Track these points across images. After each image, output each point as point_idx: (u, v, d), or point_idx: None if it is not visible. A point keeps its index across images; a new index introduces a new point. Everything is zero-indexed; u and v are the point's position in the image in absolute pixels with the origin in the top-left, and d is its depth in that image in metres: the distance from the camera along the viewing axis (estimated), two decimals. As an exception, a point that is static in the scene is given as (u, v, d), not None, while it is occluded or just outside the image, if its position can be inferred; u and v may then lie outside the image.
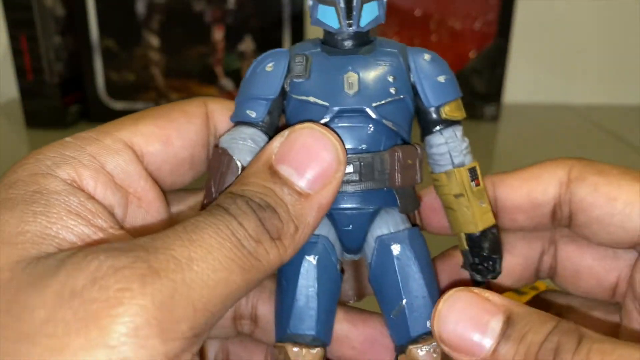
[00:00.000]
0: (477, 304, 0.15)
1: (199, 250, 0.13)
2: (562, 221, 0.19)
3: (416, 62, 0.18)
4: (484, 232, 0.18)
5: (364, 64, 0.17)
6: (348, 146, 0.17)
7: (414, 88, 0.18)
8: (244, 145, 0.17)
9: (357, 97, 0.17)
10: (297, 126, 0.16)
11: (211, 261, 0.13)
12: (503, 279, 0.20)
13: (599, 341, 0.14)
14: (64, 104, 0.72)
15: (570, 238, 0.20)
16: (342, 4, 0.16)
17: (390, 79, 0.17)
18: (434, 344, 0.17)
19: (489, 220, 0.18)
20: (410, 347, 0.17)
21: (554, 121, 0.83)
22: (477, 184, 0.18)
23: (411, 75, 0.18)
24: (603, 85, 0.91)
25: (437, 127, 0.18)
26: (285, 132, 0.16)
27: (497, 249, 0.18)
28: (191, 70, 0.73)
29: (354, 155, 0.17)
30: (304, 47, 0.18)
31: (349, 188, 0.17)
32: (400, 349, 0.18)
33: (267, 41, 0.71)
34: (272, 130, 0.18)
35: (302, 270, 0.17)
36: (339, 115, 0.17)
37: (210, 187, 0.17)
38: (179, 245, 0.13)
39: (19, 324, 0.12)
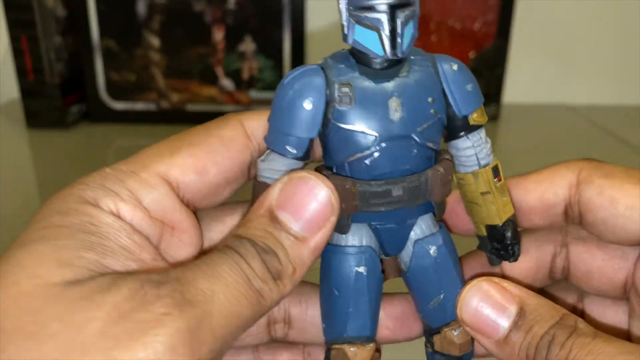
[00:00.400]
0: (497, 292, 0.17)
1: (219, 285, 0.15)
2: (574, 220, 0.20)
3: (445, 72, 0.18)
4: (505, 222, 0.20)
5: (405, 88, 0.17)
6: (394, 169, 0.18)
7: (443, 91, 0.18)
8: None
9: (402, 123, 0.17)
10: (295, 174, 0.17)
11: (228, 295, 0.15)
12: (521, 282, 0.21)
13: (584, 335, 0.16)
14: (65, 104, 0.72)
15: (581, 240, 0.21)
16: (387, 32, 0.16)
17: (430, 100, 0.18)
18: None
19: (510, 212, 0.20)
20: (445, 329, 0.19)
21: (554, 121, 0.83)
22: (499, 180, 0.20)
23: (441, 81, 0.18)
24: (602, 85, 0.91)
25: (464, 132, 0.19)
26: (285, 179, 0.17)
27: (516, 236, 0.20)
28: (191, 70, 0.73)
29: (402, 178, 0.18)
30: (341, 71, 0.17)
31: (397, 207, 0.18)
32: (435, 330, 0.20)
33: (267, 41, 0.71)
34: (309, 154, 0.18)
35: (354, 280, 0.18)
36: (385, 141, 0.17)
37: None
38: (205, 279, 0.15)
39: (73, 333, 0.13)
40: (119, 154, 0.69)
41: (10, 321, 0.13)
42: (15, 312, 0.13)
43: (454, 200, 0.21)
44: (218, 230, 0.20)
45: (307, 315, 0.21)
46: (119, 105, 0.75)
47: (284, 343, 0.22)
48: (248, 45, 0.72)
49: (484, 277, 0.18)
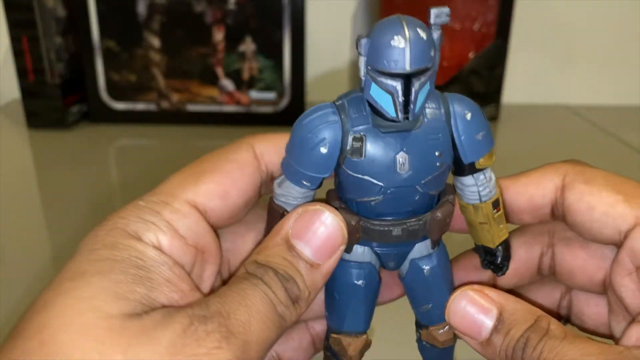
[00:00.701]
0: (480, 298, 0.19)
1: (253, 315, 0.17)
2: (559, 218, 0.22)
3: (457, 120, 0.19)
4: (498, 245, 0.22)
5: (414, 143, 0.18)
6: (397, 211, 0.19)
7: (452, 137, 0.19)
8: (296, 204, 0.20)
9: (408, 176, 0.18)
10: (310, 207, 0.19)
11: (261, 323, 0.17)
12: (509, 279, 0.23)
13: (554, 338, 0.17)
14: (65, 104, 0.73)
15: (565, 241, 0.22)
16: (400, 99, 0.16)
17: (437, 154, 0.18)
18: (447, 327, 0.22)
19: (504, 236, 0.22)
20: (431, 328, 0.22)
21: (553, 121, 0.84)
22: (498, 211, 0.21)
23: (452, 128, 0.19)
24: (601, 86, 0.91)
25: (469, 172, 0.20)
26: (300, 210, 0.19)
27: (507, 256, 0.22)
28: (192, 70, 0.73)
29: (403, 220, 0.19)
30: (355, 121, 0.18)
31: (396, 242, 0.20)
32: (424, 326, 0.22)
33: (267, 42, 0.72)
34: (320, 186, 0.20)
35: (352, 290, 0.21)
36: (390, 189, 0.19)
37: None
38: (241, 310, 0.17)
39: None
40: (119, 154, 0.69)
41: (78, 351, 0.15)
42: (81, 342, 0.15)
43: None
44: (229, 239, 0.22)
45: None
46: (119, 106, 0.75)
47: None
48: (248, 46, 0.72)
49: (469, 286, 0.20)
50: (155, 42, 0.72)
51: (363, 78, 0.17)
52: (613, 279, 0.20)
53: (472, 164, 0.20)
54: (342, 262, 0.20)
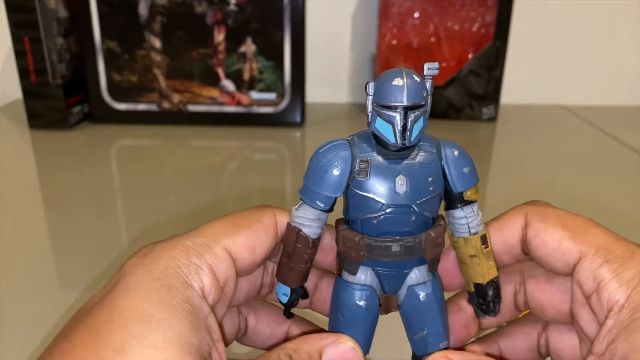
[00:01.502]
0: None
1: None
2: (529, 255, 0.24)
3: (447, 156, 0.23)
4: (489, 282, 0.24)
5: (411, 168, 0.22)
6: (395, 230, 0.22)
7: (443, 171, 0.23)
8: (311, 225, 0.23)
9: (405, 196, 0.22)
10: (344, 339, 0.22)
11: None
12: (491, 318, 0.26)
13: None
14: (67, 105, 0.73)
15: (533, 278, 0.25)
16: (399, 127, 0.20)
17: (430, 180, 0.22)
18: (441, 357, 0.23)
19: (493, 273, 0.24)
20: (425, 358, 0.24)
21: (551, 121, 0.84)
22: (487, 247, 0.23)
23: (442, 162, 0.22)
24: (599, 86, 0.92)
25: (459, 205, 0.23)
26: (336, 338, 0.22)
27: (497, 294, 0.24)
28: (193, 71, 0.74)
29: (400, 238, 0.22)
30: (363, 149, 0.22)
31: (394, 259, 0.22)
32: (418, 358, 0.24)
33: (268, 43, 0.72)
34: (332, 209, 0.23)
35: (354, 311, 0.23)
36: (390, 208, 0.22)
37: (286, 255, 0.23)
38: None
39: None
40: (121, 154, 0.69)
41: None
42: None
43: (447, 262, 0.25)
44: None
45: (257, 327, 0.26)
46: (120, 106, 0.75)
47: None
48: (249, 47, 0.73)
49: (440, 352, 0.23)
50: (157, 43, 0.72)
51: (369, 113, 0.21)
52: (573, 310, 0.22)
53: (461, 195, 0.23)
54: (346, 284, 0.23)
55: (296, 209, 0.23)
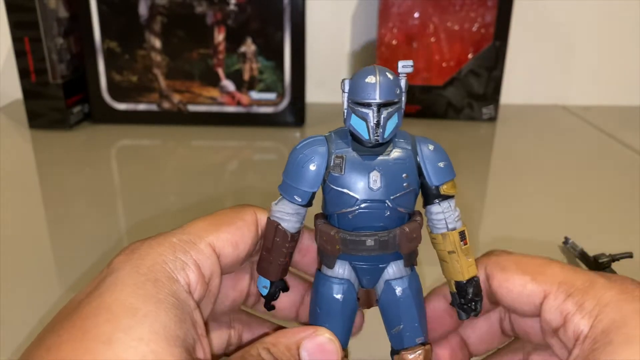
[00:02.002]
0: None
1: None
2: (497, 304, 0.25)
3: (422, 150, 0.23)
4: (469, 280, 0.24)
5: (385, 165, 0.22)
6: (370, 225, 0.22)
7: (419, 168, 0.23)
8: (290, 219, 0.23)
9: (379, 191, 0.22)
10: (321, 331, 0.22)
11: None
12: (481, 345, 0.27)
13: None
14: (67, 105, 0.73)
15: None
16: (372, 123, 0.21)
17: (404, 176, 0.22)
18: (418, 351, 0.24)
19: (473, 272, 0.24)
20: (402, 352, 0.24)
21: (550, 121, 0.84)
22: (465, 244, 0.24)
23: (418, 158, 0.23)
24: (598, 86, 0.92)
25: (436, 200, 0.23)
26: (314, 331, 0.22)
27: (478, 293, 0.24)
28: (193, 71, 0.74)
29: (375, 232, 0.22)
30: (339, 145, 0.23)
31: (369, 253, 0.23)
32: (395, 352, 0.25)
33: (268, 43, 0.72)
34: (311, 203, 0.23)
35: (332, 303, 0.24)
36: (364, 203, 0.22)
37: (265, 249, 0.24)
38: None
39: None
40: (121, 154, 0.69)
41: None
42: None
43: (435, 305, 0.26)
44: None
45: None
46: (120, 106, 0.75)
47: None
48: (249, 47, 0.73)
49: None
50: (157, 43, 0.72)
51: (345, 111, 0.22)
52: (545, 340, 0.24)
53: (438, 190, 0.23)
54: (325, 278, 0.24)
55: (275, 204, 0.24)
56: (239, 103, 0.75)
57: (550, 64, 0.91)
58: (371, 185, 0.22)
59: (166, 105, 0.75)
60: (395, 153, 0.22)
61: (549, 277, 0.23)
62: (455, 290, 0.24)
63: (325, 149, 0.22)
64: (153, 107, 0.75)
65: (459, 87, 0.79)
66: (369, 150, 0.22)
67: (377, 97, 0.21)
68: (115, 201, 0.54)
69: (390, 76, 0.21)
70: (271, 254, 0.24)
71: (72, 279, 0.41)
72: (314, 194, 0.23)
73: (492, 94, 0.79)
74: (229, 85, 0.74)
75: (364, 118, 0.21)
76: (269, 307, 0.25)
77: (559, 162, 0.67)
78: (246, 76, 0.74)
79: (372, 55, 0.85)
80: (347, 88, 0.21)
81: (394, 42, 0.77)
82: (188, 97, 0.75)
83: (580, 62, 0.90)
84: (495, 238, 0.46)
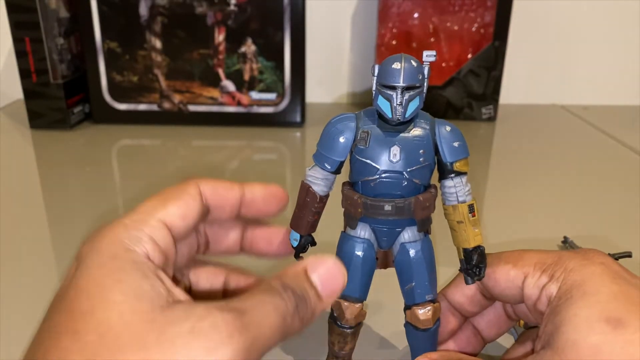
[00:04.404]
0: None
1: (266, 318, 0.21)
2: (492, 299, 0.29)
3: (440, 130, 0.26)
4: (474, 248, 0.27)
5: (404, 141, 0.25)
6: (389, 192, 0.25)
7: (435, 146, 0.26)
8: (320, 184, 0.27)
9: (398, 163, 0.25)
10: (327, 256, 0.24)
11: (270, 326, 0.21)
12: (491, 330, 0.30)
13: None
14: (68, 105, 0.73)
15: None
16: (395, 103, 0.24)
17: (421, 152, 0.25)
18: (428, 307, 0.27)
19: (479, 241, 0.27)
20: (414, 307, 0.28)
21: (550, 121, 0.85)
22: (474, 216, 0.26)
23: (435, 137, 0.26)
24: (597, 86, 0.92)
25: (450, 175, 0.26)
26: (320, 256, 0.24)
27: (482, 260, 0.27)
28: (193, 71, 0.74)
29: (392, 199, 0.25)
30: (366, 122, 0.26)
31: (387, 217, 0.26)
32: (408, 307, 0.28)
33: (268, 43, 0.72)
34: (339, 170, 0.27)
35: (354, 259, 0.27)
36: (385, 173, 0.25)
37: (298, 207, 0.28)
38: (257, 312, 0.21)
39: (166, 345, 0.19)
40: (121, 154, 0.70)
41: (125, 337, 0.19)
42: (126, 331, 0.19)
43: (493, 316, 0.30)
44: (214, 234, 0.29)
45: (198, 284, 0.29)
46: (121, 106, 0.75)
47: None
48: (249, 47, 0.73)
49: (424, 355, 0.27)
50: (157, 43, 0.73)
51: (374, 92, 0.25)
52: (534, 318, 0.27)
53: (452, 166, 0.26)
54: (347, 237, 0.27)
55: (309, 169, 0.27)
56: (239, 103, 0.75)
57: (549, 63, 0.91)
58: (391, 158, 0.25)
59: (167, 105, 0.75)
60: (415, 131, 0.25)
61: (526, 260, 0.26)
62: (462, 257, 0.27)
63: (354, 124, 0.26)
64: (153, 107, 0.75)
65: (458, 87, 0.79)
66: (392, 127, 0.25)
67: (401, 81, 0.23)
68: (116, 201, 0.54)
69: (414, 63, 0.24)
70: (302, 212, 0.27)
71: (74, 278, 0.41)
72: (341, 162, 0.26)
73: (491, 93, 0.79)
74: (229, 85, 0.74)
75: (389, 99, 0.24)
76: (298, 257, 0.28)
77: (558, 162, 0.67)
78: (246, 76, 0.74)
79: (372, 55, 0.86)
80: (376, 72, 0.24)
81: (394, 42, 0.77)
82: (188, 97, 0.75)
83: (579, 62, 0.91)
84: (494, 237, 0.47)
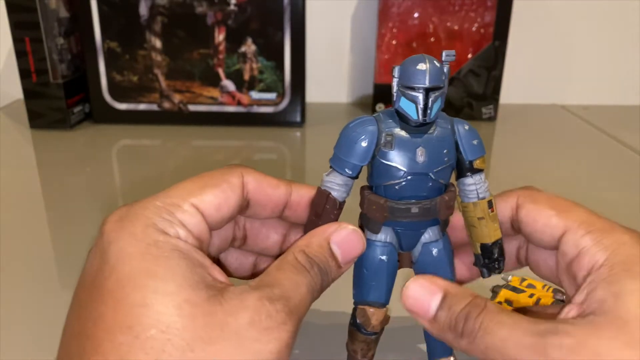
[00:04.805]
0: (428, 284, 0.24)
1: (302, 299, 0.22)
2: (518, 231, 0.28)
3: (459, 129, 0.26)
4: (494, 242, 0.27)
5: (429, 142, 0.25)
6: (414, 194, 0.25)
7: (456, 145, 0.26)
8: (339, 189, 0.26)
9: (424, 165, 0.25)
10: (344, 224, 0.25)
11: (306, 305, 0.22)
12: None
13: (492, 312, 0.22)
14: (68, 105, 0.73)
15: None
16: (421, 105, 0.23)
17: (445, 152, 0.25)
18: None
19: (498, 235, 0.27)
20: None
21: (550, 121, 0.84)
22: (492, 211, 0.26)
23: (455, 136, 0.26)
24: (597, 86, 0.92)
25: (469, 173, 0.26)
26: (337, 225, 0.25)
27: (501, 254, 0.27)
28: (193, 71, 0.74)
29: (419, 201, 0.25)
30: (388, 124, 0.25)
31: (413, 219, 0.25)
32: None
33: (268, 43, 0.72)
34: (357, 176, 0.26)
35: (378, 264, 0.27)
36: (411, 175, 0.25)
37: (315, 214, 0.27)
38: (296, 295, 0.22)
39: (233, 338, 0.19)
40: (121, 154, 0.70)
41: (189, 331, 0.19)
42: (189, 325, 0.19)
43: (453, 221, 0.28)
44: (253, 228, 0.29)
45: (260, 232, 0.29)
46: (121, 106, 0.75)
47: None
48: (249, 47, 0.73)
49: (419, 275, 0.25)
50: (157, 43, 0.73)
51: (395, 94, 0.24)
52: (558, 275, 0.26)
53: (471, 164, 0.26)
54: (370, 242, 0.27)
55: (327, 175, 0.26)
56: (239, 103, 0.75)
57: (549, 63, 0.91)
58: (417, 160, 0.25)
59: (167, 105, 0.75)
60: (438, 132, 0.25)
61: (573, 215, 0.25)
62: (479, 252, 0.27)
63: (375, 127, 0.25)
64: (153, 107, 0.75)
65: (458, 86, 0.79)
66: (415, 129, 0.25)
67: (427, 82, 0.23)
68: (116, 201, 0.54)
69: (437, 64, 0.23)
70: (320, 219, 0.26)
71: (73, 279, 0.41)
72: (362, 167, 0.26)
73: (491, 93, 0.79)
74: (229, 85, 0.74)
75: (414, 100, 0.23)
76: None
77: (558, 162, 0.67)
78: (246, 76, 0.74)
79: (372, 55, 0.86)
80: (397, 74, 0.24)
81: (394, 42, 0.77)
82: (188, 97, 0.75)
83: (579, 61, 0.91)
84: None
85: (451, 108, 0.80)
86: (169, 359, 0.18)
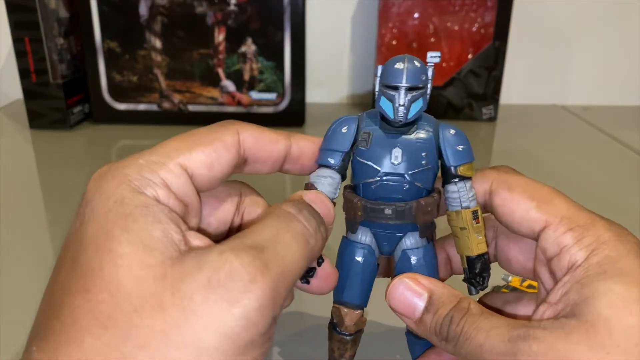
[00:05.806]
0: (414, 285, 0.24)
1: (288, 250, 0.20)
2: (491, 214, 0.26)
3: (444, 134, 0.25)
4: (478, 256, 0.25)
5: (407, 143, 0.24)
6: (390, 196, 0.25)
7: (439, 150, 0.25)
8: (324, 182, 0.25)
9: (399, 166, 0.24)
10: (314, 189, 0.25)
11: (294, 256, 0.20)
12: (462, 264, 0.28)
13: (473, 315, 0.22)
14: (67, 105, 0.73)
15: (504, 235, 0.27)
16: (397, 104, 0.23)
17: (423, 154, 0.24)
18: None
19: (482, 249, 0.25)
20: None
21: (550, 121, 0.84)
22: (477, 222, 0.25)
23: (440, 142, 0.25)
24: (597, 86, 0.92)
25: (454, 180, 0.25)
26: (316, 193, 0.24)
27: (486, 269, 0.26)
28: (193, 71, 0.74)
29: (392, 203, 0.25)
30: (368, 123, 0.25)
31: (387, 221, 0.25)
32: None
33: (268, 43, 0.72)
34: (344, 170, 0.26)
35: (354, 264, 0.26)
36: (386, 175, 0.24)
37: None
38: (276, 245, 0.19)
39: (184, 303, 0.17)
40: (121, 154, 0.70)
41: (138, 296, 0.17)
42: (138, 289, 0.17)
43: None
44: (208, 208, 0.26)
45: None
46: (121, 106, 0.75)
47: None
48: (249, 47, 0.73)
49: (405, 274, 0.24)
50: (157, 43, 0.73)
51: (376, 93, 0.24)
52: (535, 268, 0.25)
53: (455, 170, 0.25)
54: (348, 242, 0.26)
55: (312, 173, 0.26)
56: (239, 103, 0.75)
57: (549, 64, 0.91)
58: (393, 160, 0.24)
59: (166, 105, 0.75)
60: (418, 134, 0.25)
61: (554, 208, 0.23)
62: (466, 266, 0.26)
63: (355, 124, 0.25)
64: (153, 107, 0.75)
65: (458, 87, 0.79)
66: (395, 129, 0.24)
67: (404, 81, 0.23)
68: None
69: (417, 64, 0.23)
70: None
71: (73, 278, 0.41)
72: (344, 155, 0.25)
73: (491, 94, 0.79)
74: (229, 85, 0.74)
75: (391, 99, 0.23)
76: (306, 281, 0.26)
77: (559, 162, 0.67)
78: (246, 76, 0.74)
79: (372, 55, 0.85)
80: (379, 73, 0.24)
81: (394, 42, 0.77)
82: (188, 97, 0.75)
83: (579, 62, 0.91)
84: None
85: (451, 108, 0.80)
86: (115, 325, 0.17)
